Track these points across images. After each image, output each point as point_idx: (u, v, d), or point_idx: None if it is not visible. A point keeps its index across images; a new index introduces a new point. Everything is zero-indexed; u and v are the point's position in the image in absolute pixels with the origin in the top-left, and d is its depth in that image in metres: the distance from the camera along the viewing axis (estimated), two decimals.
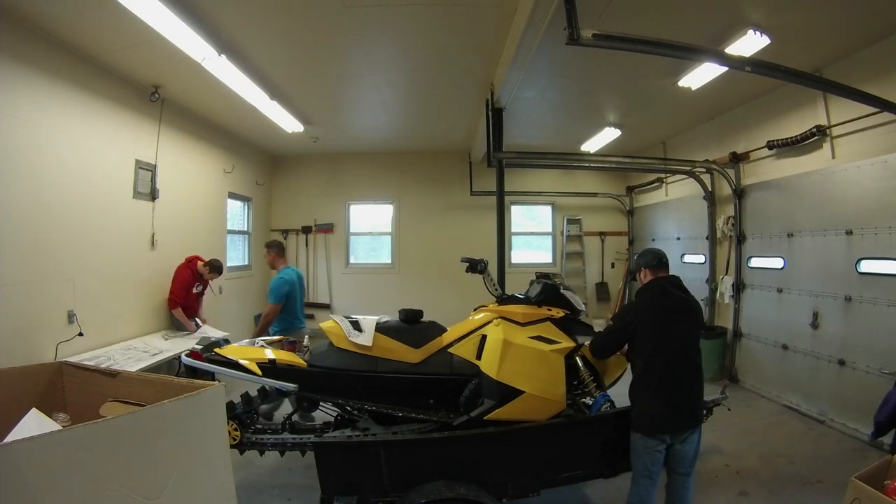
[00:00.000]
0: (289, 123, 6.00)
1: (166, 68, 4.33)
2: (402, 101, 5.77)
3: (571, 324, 2.83)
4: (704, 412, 3.40)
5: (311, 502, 2.97)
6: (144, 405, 0.97)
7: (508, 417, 2.55)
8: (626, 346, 2.62)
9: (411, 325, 2.93)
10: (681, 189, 7.07)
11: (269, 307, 4.32)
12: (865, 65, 3.96)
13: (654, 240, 7.83)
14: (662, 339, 2.41)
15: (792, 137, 4.68)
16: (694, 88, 4.74)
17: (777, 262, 5.02)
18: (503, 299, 2.94)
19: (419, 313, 2.99)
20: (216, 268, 5.20)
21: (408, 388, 2.78)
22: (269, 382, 2.73)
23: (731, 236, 5.66)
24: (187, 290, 5.04)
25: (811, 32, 3.76)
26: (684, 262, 6.86)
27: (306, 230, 8.50)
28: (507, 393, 2.55)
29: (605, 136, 6.79)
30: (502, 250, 5.03)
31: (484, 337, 2.71)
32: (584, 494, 3.12)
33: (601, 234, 8.78)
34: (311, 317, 8.20)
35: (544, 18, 3.18)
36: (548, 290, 2.89)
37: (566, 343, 2.71)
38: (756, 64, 3.15)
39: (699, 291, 6.28)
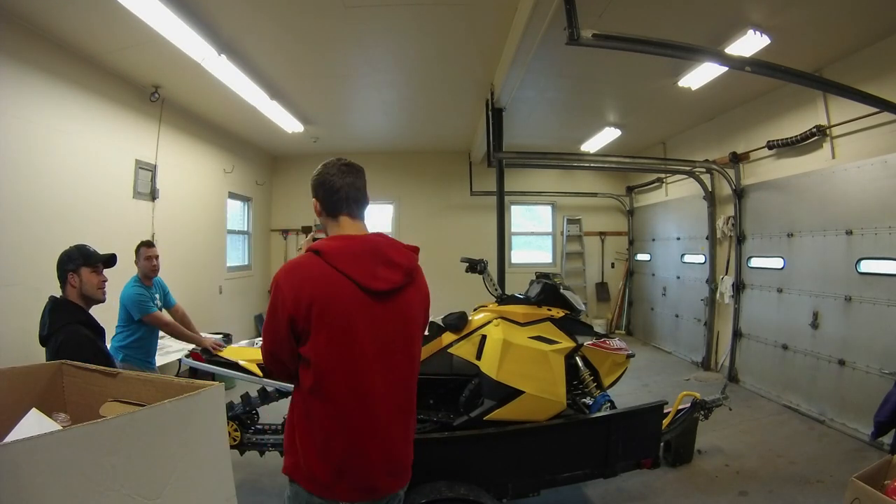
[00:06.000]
0: (289, 123, 6.00)
1: (166, 68, 4.32)
2: (402, 101, 5.76)
3: (571, 324, 2.83)
4: (703, 412, 3.41)
5: None
6: (144, 405, 0.97)
7: (508, 418, 2.55)
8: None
9: None
10: (681, 189, 7.07)
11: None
12: (865, 65, 3.95)
13: (654, 240, 7.84)
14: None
15: (792, 137, 4.68)
16: (694, 88, 4.73)
17: (777, 262, 5.02)
18: (503, 299, 2.94)
19: None
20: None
21: None
22: (269, 383, 2.73)
23: (731, 236, 5.66)
24: None
25: (811, 32, 3.76)
26: (684, 262, 6.87)
27: (306, 230, 8.49)
28: (508, 393, 2.55)
29: (605, 136, 6.79)
30: (502, 250, 5.03)
31: (484, 337, 2.71)
32: (584, 494, 3.12)
33: (601, 234, 8.78)
34: None
35: (544, 18, 3.18)
36: (548, 290, 2.89)
37: (566, 343, 2.70)
38: (756, 64, 3.15)
39: (699, 291, 6.31)
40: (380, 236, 1.50)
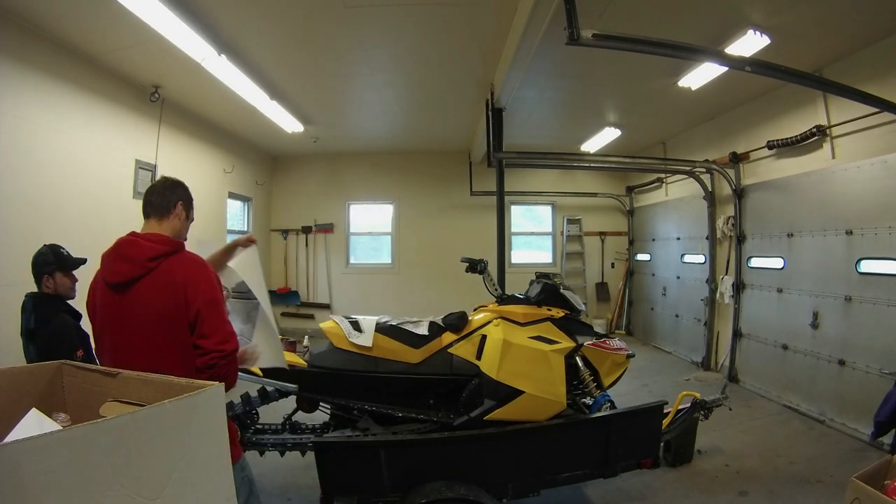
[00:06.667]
0: (289, 123, 6.00)
1: (166, 68, 4.33)
2: (402, 101, 5.77)
3: (571, 324, 2.83)
4: (703, 412, 3.41)
5: (311, 502, 2.97)
6: (144, 405, 0.97)
7: (508, 418, 2.55)
8: None
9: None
10: (681, 189, 7.07)
11: None
12: (865, 65, 3.95)
13: (654, 240, 7.84)
14: None
15: (792, 137, 4.68)
16: (694, 88, 4.73)
17: (777, 262, 5.02)
18: (503, 299, 2.94)
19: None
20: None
21: (408, 389, 2.78)
22: (270, 383, 2.72)
23: (731, 236, 5.66)
24: None
25: (811, 32, 3.76)
26: (684, 262, 6.87)
27: (306, 230, 8.50)
28: (508, 393, 2.55)
29: (605, 136, 6.79)
30: (502, 250, 5.03)
31: (484, 337, 2.71)
32: (584, 494, 3.12)
33: (601, 234, 8.78)
34: (312, 317, 8.22)
35: (544, 18, 3.18)
36: (548, 289, 2.89)
37: (566, 343, 2.70)
38: (756, 64, 3.14)
39: (699, 291, 6.31)
40: (131, 234, 1.68)
